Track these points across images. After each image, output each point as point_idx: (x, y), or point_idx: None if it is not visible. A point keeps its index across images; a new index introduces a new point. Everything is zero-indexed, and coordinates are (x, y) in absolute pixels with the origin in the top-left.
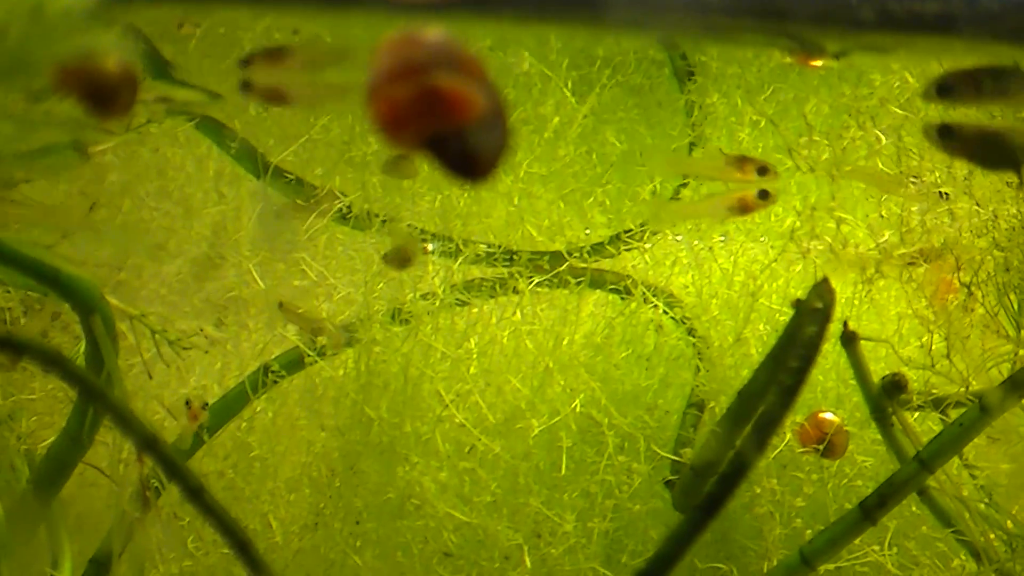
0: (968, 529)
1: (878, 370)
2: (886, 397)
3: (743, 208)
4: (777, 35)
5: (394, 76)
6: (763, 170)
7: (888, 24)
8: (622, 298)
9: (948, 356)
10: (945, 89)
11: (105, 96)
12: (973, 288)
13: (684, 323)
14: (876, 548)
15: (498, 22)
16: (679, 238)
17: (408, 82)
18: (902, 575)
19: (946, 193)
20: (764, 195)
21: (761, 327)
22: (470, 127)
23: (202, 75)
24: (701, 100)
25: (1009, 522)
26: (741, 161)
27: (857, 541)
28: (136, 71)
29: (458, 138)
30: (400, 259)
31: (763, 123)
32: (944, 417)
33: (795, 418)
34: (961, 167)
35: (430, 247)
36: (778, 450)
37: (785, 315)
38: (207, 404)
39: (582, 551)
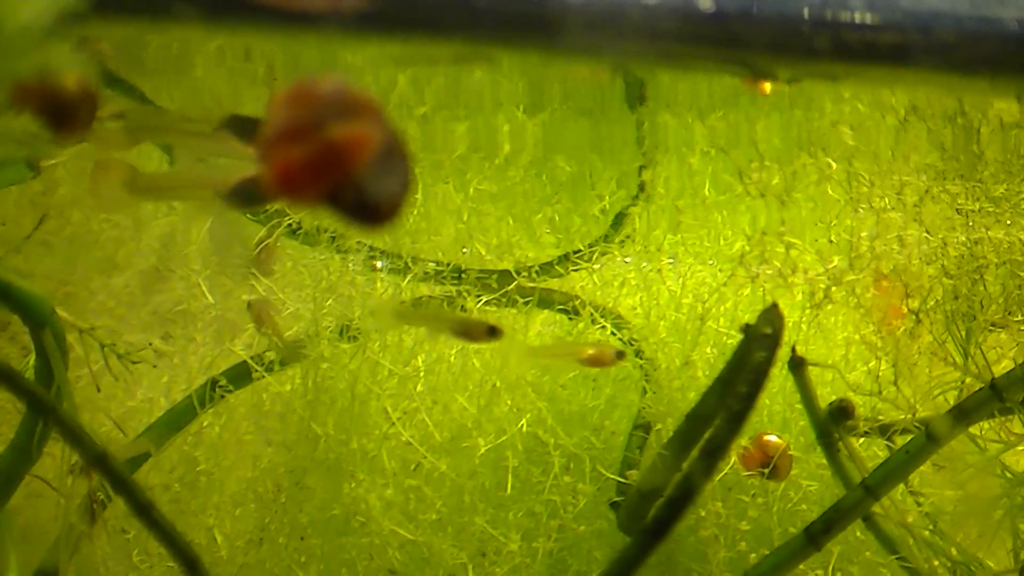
0: (913, 556)
1: (825, 395)
2: (832, 422)
3: None
4: (731, 62)
5: (285, 139)
6: None
7: (843, 54)
8: (570, 318)
9: (895, 383)
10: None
11: (65, 114)
12: (921, 315)
13: (631, 344)
14: (820, 573)
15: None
16: (628, 260)
17: (300, 143)
18: None
19: None
20: None
21: (708, 350)
22: (364, 172)
23: (156, 92)
24: (652, 122)
25: (953, 549)
26: None
27: (801, 566)
28: (95, 88)
29: (354, 187)
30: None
31: (714, 150)
32: (890, 444)
33: (740, 441)
34: (912, 195)
35: (379, 264)
36: (723, 473)
37: (733, 339)
38: None
39: (526, 571)
